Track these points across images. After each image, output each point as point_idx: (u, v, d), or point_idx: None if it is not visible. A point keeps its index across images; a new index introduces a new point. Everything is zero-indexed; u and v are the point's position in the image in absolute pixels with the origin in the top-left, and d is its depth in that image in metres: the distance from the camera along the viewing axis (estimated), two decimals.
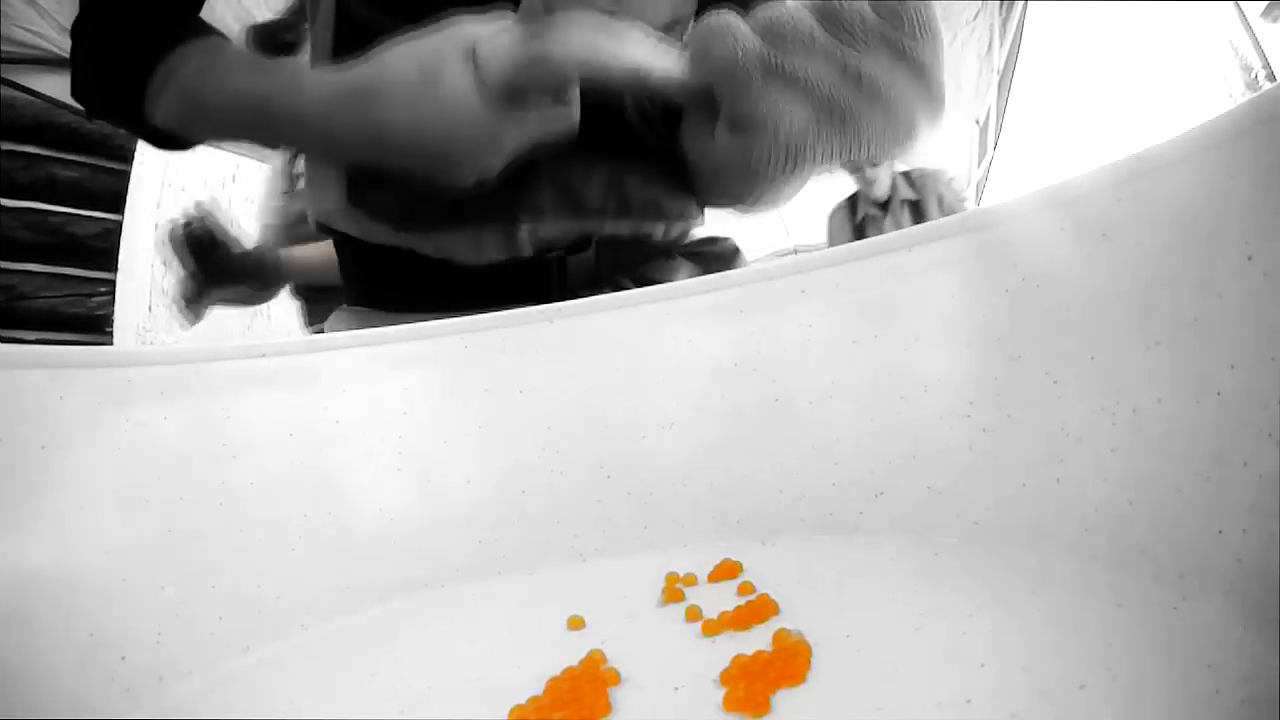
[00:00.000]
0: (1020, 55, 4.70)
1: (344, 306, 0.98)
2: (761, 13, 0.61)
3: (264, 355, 0.51)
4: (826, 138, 0.61)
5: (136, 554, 0.44)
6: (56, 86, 3.14)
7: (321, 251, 1.78)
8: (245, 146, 0.74)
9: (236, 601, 0.47)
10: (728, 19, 0.62)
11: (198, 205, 1.57)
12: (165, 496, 0.46)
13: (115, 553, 0.44)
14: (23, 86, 2.97)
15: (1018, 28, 4.59)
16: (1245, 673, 0.30)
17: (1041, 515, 0.43)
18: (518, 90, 0.63)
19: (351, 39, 0.84)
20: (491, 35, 0.63)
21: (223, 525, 0.48)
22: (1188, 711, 0.29)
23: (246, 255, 1.60)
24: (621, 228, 0.84)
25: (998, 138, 5.08)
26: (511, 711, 0.36)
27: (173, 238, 1.50)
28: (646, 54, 0.63)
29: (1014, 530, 0.44)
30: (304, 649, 0.46)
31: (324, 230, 0.90)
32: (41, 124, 2.04)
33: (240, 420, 0.50)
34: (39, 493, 0.42)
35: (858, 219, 4.12)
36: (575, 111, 0.67)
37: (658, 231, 0.86)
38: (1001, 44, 4.61)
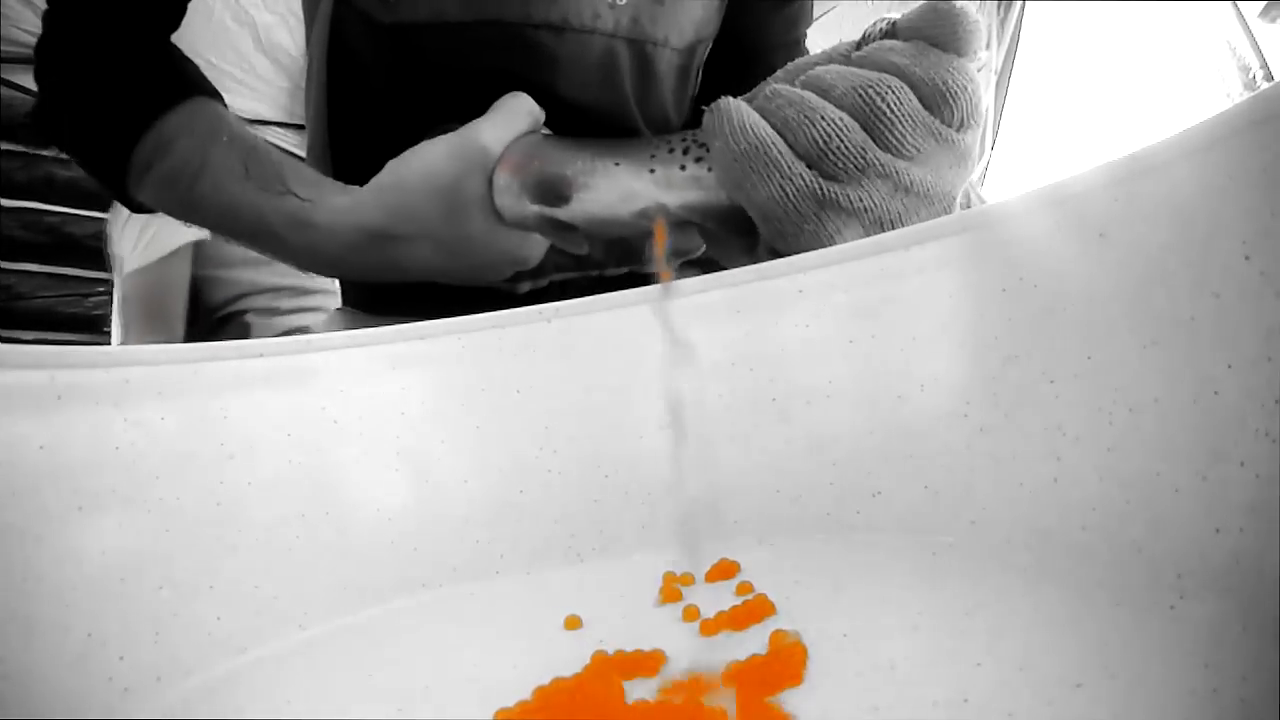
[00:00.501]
0: (1018, 55, 4.70)
1: (339, 307, 0.98)
2: (803, 125, 0.54)
3: (261, 355, 0.51)
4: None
5: (134, 554, 0.44)
6: None
7: (157, 276, 1.80)
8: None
9: (234, 601, 0.47)
10: (761, 137, 0.54)
11: None
12: (163, 496, 0.46)
13: (113, 552, 0.44)
14: (20, 86, 2.96)
15: (1015, 28, 4.59)
16: (1243, 672, 0.30)
17: (1039, 514, 0.43)
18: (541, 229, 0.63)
19: (344, 67, 0.84)
20: (499, 166, 0.63)
21: (220, 525, 0.48)
22: (1185, 711, 0.29)
23: None
24: (623, 270, 0.84)
25: (995, 138, 5.08)
26: (498, 714, 0.36)
27: None
28: (649, 191, 0.60)
29: (1011, 530, 0.44)
30: (302, 649, 0.46)
31: None
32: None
33: (238, 420, 0.50)
34: (36, 492, 0.42)
35: None
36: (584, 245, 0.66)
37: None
38: (999, 44, 4.61)
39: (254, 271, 1.96)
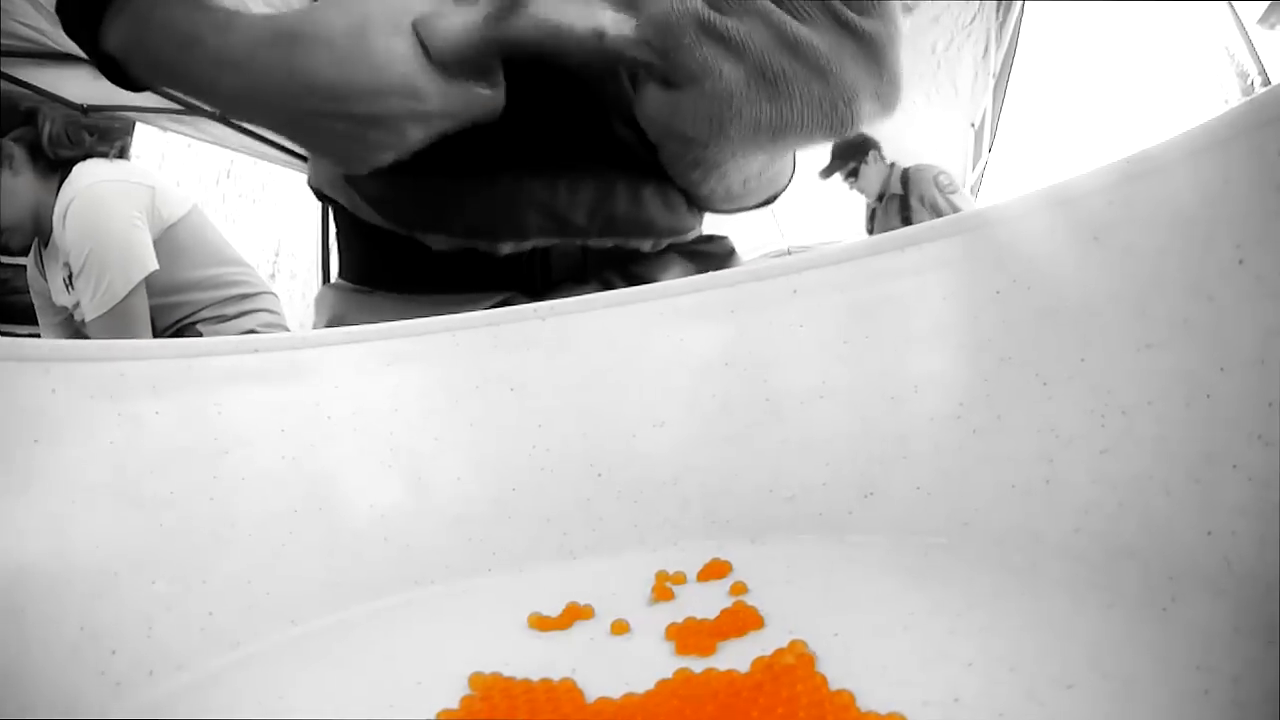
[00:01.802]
0: (1016, 59, 4.71)
1: (332, 282, 0.98)
2: None
3: (256, 350, 0.51)
4: (756, 100, 0.60)
5: (127, 548, 0.44)
6: (53, 80, 3.13)
7: (122, 316, 1.84)
8: (186, 98, 0.71)
9: (227, 596, 0.47)
10: None
11: None
12: (156, 491, 0.46)
13: (106, 546, 0.44)
14: (19, 80, 2.96)
15: (1014, 31, 4.60)
16: (1235, 674, 0.30)
17: (1031, 516, 0.43)
18: (463, 61, 0.62)
19: None
20: (434, 11, 0.63)
21: (213, 520, 0.48)
22: (1177, 712, 0.30)
23: None
24: (607, 243, 0.83)
25: (993, 140, 5.09)
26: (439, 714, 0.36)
27: None
28: (600, 17, 0.61)
29: (1004, 531, 0.44)
30: (294, 645, 0.46)
31: (320, 196, 0.90)
32: (38, 121, 2.05)
33: (231, 415, 0.50)
34: (30, 486, 0.42)
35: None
36: (501, 95, 0.66)
37: (646, 245, 0.86)
38: (998, 47, 4.62)
39: (199, 293, 2.02)
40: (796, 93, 0.59)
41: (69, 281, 1.96)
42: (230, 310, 2.04)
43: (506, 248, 0.79)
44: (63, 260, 1.95)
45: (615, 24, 0.61)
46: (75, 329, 2.06)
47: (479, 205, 0.78)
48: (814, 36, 0.59)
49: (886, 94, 0.64)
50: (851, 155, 4.30)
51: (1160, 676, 0.32)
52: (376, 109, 0.65)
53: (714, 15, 0.58)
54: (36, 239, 2.08)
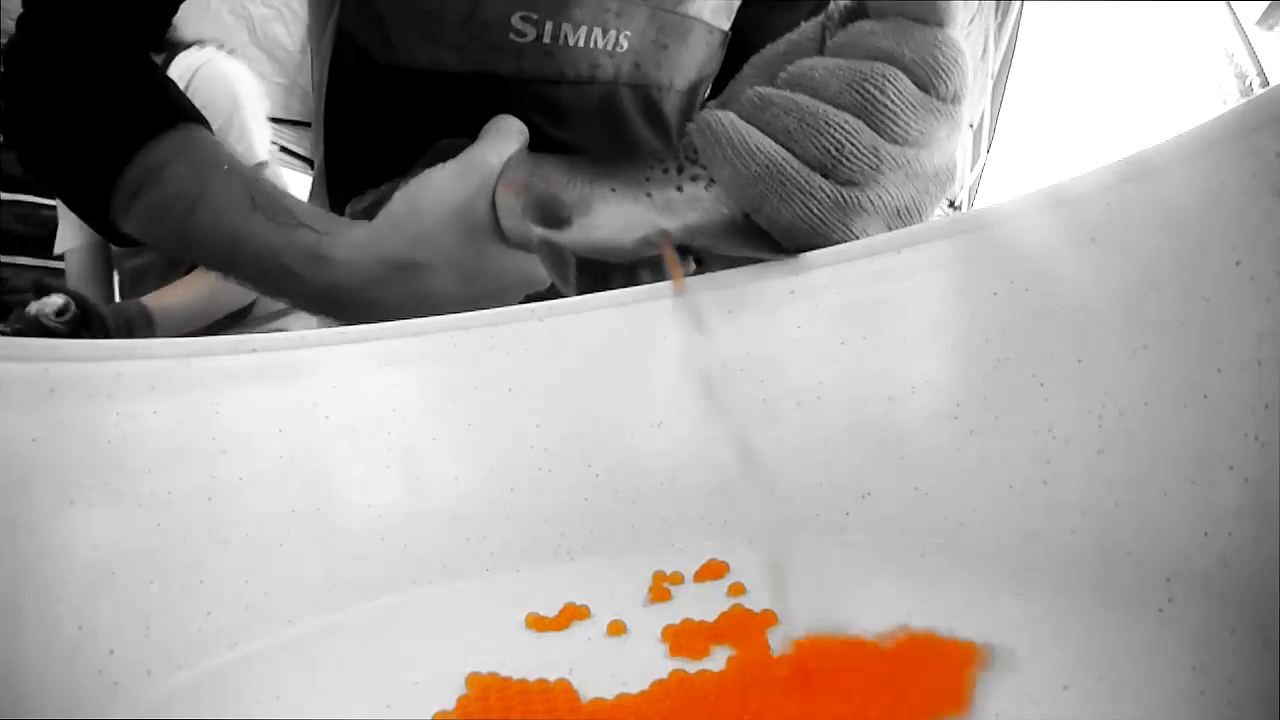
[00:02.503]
0: (1014, 60, 4.71)
1: None
2: (810, 135, 0.51)
3: (254, 350, 0.51)
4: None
5: (125, 548, 0.44)
6: None
7: (191, 288, 1.71)
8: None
9: (224, 596, 0.47)
10: (770, 157, 0.51)
11: (65, 292, 1.51)
12: (154, 491, 0.46)
13: (104, 546, 0.44)
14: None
15: (1013, 32, 4.59)
16: (1231, 675, 0.30)
17: (1028, 517, 0.43)
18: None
19: (343, 98, 0.83)
20: (500, 186, 0.63)
21: (211, 520, 0.48)
22: (1173, 713, 0.30)
23: (118, 320, 1.54)
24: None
25: (991, 142, 5.08)
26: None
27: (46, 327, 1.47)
28: (651, 217, 0.58)
29: (1000, 532, 0.44)
30: (291, 645, 0.46)
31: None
32: None
33: (229, 415, 0.50)
34: (28, 485, 0.42)
35: None
36: (573, 286, 0.63)
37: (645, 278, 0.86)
38: (996, 49, 4.61)
39: None
40: (923, 205, 0.56)
41: None
42: None
43: None
44: None
45: (676, 216, 0.57)
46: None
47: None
48: (930, 152, 0.54)
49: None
50: None
51: (1156, 677, 0.32)
52: (504, 297, 0.66)
53: (854, 194, 0.52)
54: None
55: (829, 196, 0.51)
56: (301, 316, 1.87)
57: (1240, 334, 0.34)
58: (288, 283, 0.66)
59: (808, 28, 0.57)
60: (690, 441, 0.54)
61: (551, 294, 0.63)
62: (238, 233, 0.66)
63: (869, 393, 0.51)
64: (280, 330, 1.84)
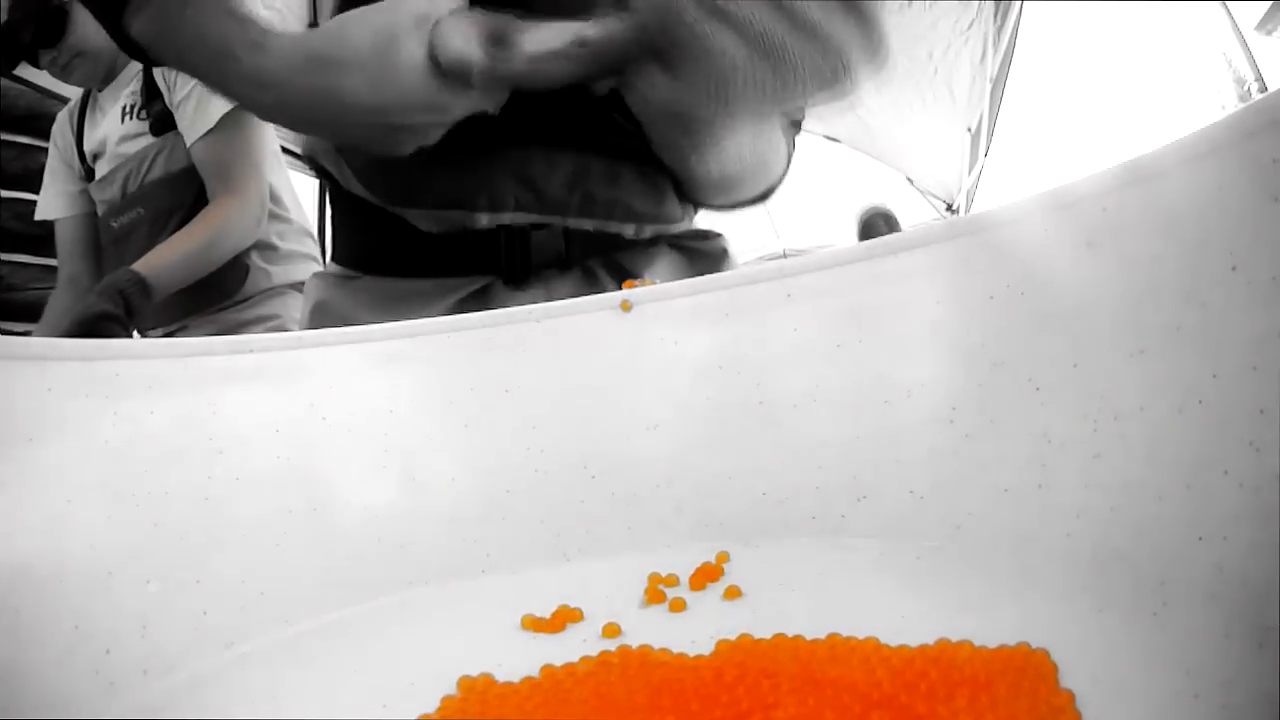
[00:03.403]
0: (1013, 63, 4.71)
1: (320, 270, 0.99)
2: None
3: (251, 350, 0.51)
4: (759, 76, 0.60)
5: (122, 548, 0.45)
6: (49, 77, 3.13)
7: (180, 245, 1.67)
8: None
9: (221, 597, 0.47)
10: None
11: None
12: (151, 490, 0.46)
13: (101, 546, 0.44)
14: (15, 76, 2.96)
15: (1011, 36, 4.61)
16: (1226, 678, 0.30)
17: (1023, 520, 0.43)
18: (466, 80, 0.64)
19: None
20: (447, 16, 0.64)
21: (208, 520, 0.48)
22: (1168, 716, 0.30)
23: (111, 293, 1.52)
24: (585, 224, 0.84)
25: (989, 146, 5.09)
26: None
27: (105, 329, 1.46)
28: (579, 27, 0.62)
29: (996, 535, 0.44)
30: (288, 645, 0.46)
31: (313, 165, 0.91)
32: (34, 114, 2.04)
33: (226, 415, 0.50)
34: (25, 484, 0.42)
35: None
36: (506, 94, 0.68)
37: (627, 231, 0.86)
38: (995, 52, 4.62)
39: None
40: (797, 59, 0.59)
41: (132, 111, 1.84)
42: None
43: (484, 219, 0.81)
44: (129, 89, 1.84)
45: (597, 26, 0.62)
46: (88, 204, 1.94)
47: (456, 174, 0.80)
48: (813, 11, 0.59)
49: (877, 51, 0.64)
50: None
51: (1151, 680, 0.32)
52: (407, 120, 0.68)
53: None
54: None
55: None
56: (290, 302, 1.85)
57: (1237, 339, 0.34)
58: (228, 65, 0.70)
59: None
60: (686, 444, 0.54)
61: (511, 239, 0.65)
62: (206, 26, 0.71)
63: (865, 396, 0.51)
64: (270, 315, 1.84)
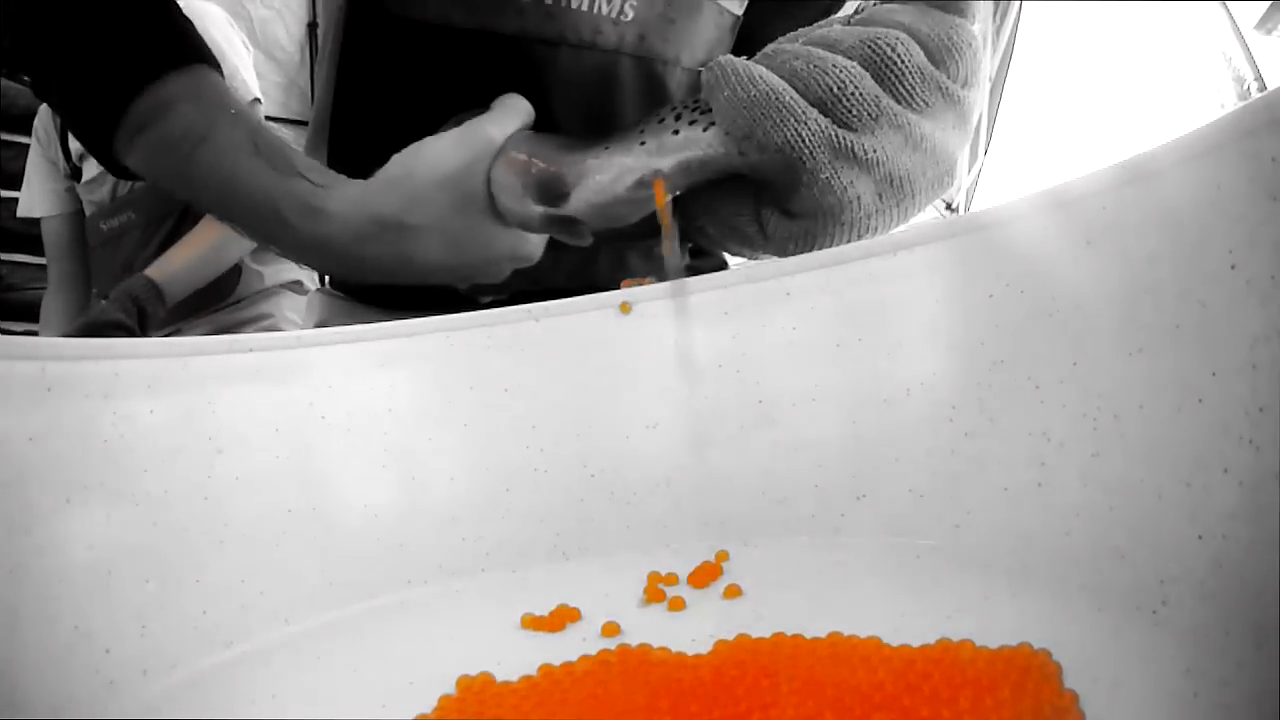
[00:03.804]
0: (1013, 62, 4.70)
1: (319, 289, 0.98)
2: (814, 74, 0.53)
3: (250, 350, 0.51)
4: (889, 208, 0.57)
5: (121, 547, 0.45)
6: None
7: (190, 249, 1.67)
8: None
9: (220, 596, 0.47)
10: (772, 85, 0.53)
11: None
12: (150, 490, 0.46)
13: (100, 545, 0.44)
14: (14, 75, 2.95)
15: (1011, 35, 4.60)
16: (1224, 677, 0.30)
17: (1023, 519, 0.43)
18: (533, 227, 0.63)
19: (355, 57, 0.83)
20: (498, 166, 0.63)
21: (207, 519, 0.48)
22: (1166, 715, 0.30)
23: (125, 301, 1.52)
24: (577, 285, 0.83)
25: (989, 144, 5.08)
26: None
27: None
28: (644, 164, 0.58)
29: (995, 534, 0.44)
30: (287, 644, 0.46)
31: None
32: (33, 113, 2.03)
33: (226, 415, 0.50)
34: (25, 484, 0.42)
35: None
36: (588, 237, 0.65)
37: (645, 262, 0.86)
38: (994, 51, 4.61)
39: None
40: (919, 186, 0.57)
41: None
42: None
43: (485, 299, 0.79)
44: None
45: (670, 156, 0.57)
46: (75, 202, 1.93)
47: None
48: (932, 126, 0.56)
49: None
50: None
51: (1150, 679, 0.32)
52: (491, 270, 0.67)
53: (848, 137, 0.53)
54: None
55: (822, 130, 0.52)
56: (284, 302, 1.84)
57: (1235, 337, 0.34)
58: (280, 231, 0.65)
59: (838, 17, 0.59)
60: (685, 442, 0.54)
61: (534, 284, 0.65)
62: (237, 176, 0.65)
63: (864, 395, 0.51)
64: (263, 315, 1.83)
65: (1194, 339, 0.36)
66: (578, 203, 0.59)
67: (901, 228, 0.53)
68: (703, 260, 0.94)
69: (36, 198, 1.96)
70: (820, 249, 0.56)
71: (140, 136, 0.67)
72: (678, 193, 0.60)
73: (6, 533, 0.41)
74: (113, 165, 0.71)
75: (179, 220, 1.76)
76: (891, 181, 0.55)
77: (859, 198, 0.54)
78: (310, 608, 0.49)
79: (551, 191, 0.60)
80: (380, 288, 0.88)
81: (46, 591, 0.41)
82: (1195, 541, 0.35)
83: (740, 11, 0.89)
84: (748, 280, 0.54)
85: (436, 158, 0.63)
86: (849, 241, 0.56)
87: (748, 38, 0.91)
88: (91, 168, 1.84)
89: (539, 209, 0.61)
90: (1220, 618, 0.32)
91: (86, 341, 0.47)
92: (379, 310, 0.88)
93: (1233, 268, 0.34)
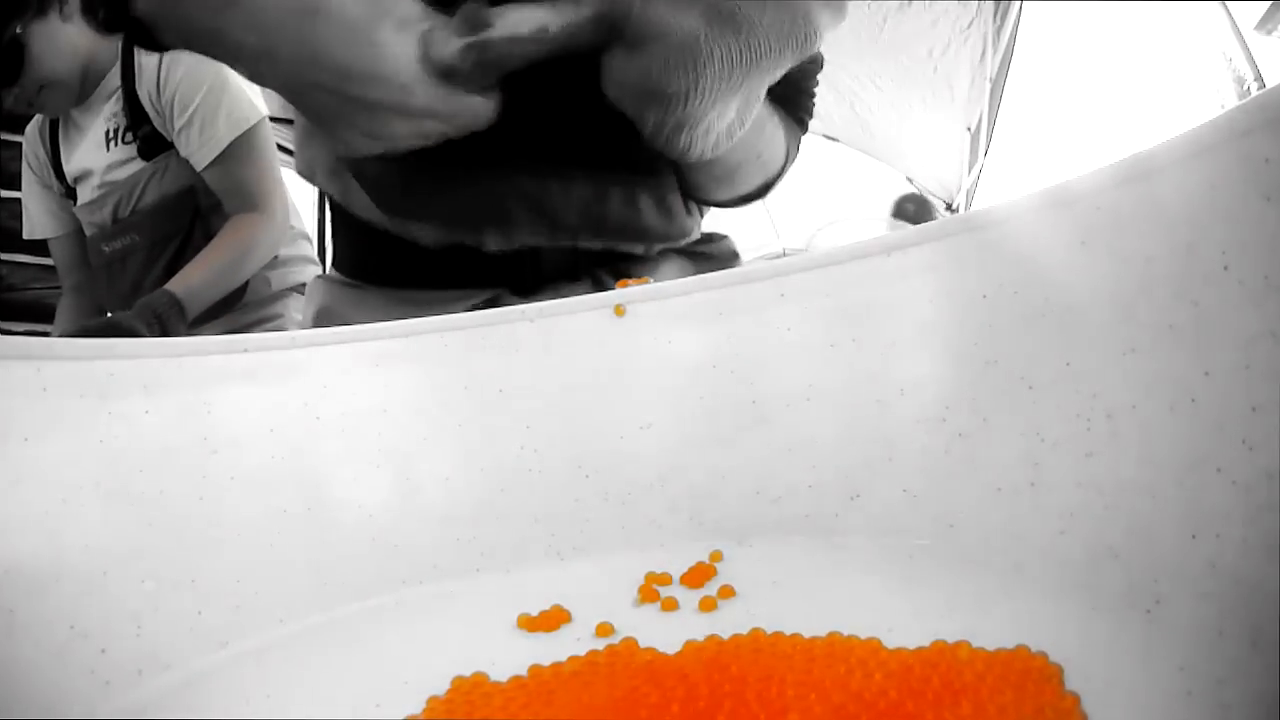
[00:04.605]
0: (1013, 62, 4.71)
1: (322, 275, 0.98)
2: None
3: (246, 350, 0.51)
4: (725, 42, 0.60)
5: (117, 547, 0.45)
6: (23, 96, 3.13)
7: (210, 262, 1.68)
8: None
9: (215, 596, 0.47)
10: None
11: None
12: (146, 490, 0.46)
13: (96, 545, 0.44)
14: None
15: (1011, 36, 4.60)
16: (1219, 676, 0.30)
17: (1016, 519, 0.43)
18: (453, 75, 0.64)
19: None
20: (432, 30, 0.64)
21: (203, 519, 0.48)
22: (1161, 715, 0.30)
23: (148, 317, 1.52)
24: (597, 244, 0.83)
25: (989, 145, 5.09)
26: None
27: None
28: (541, 15, 0.63)
29: (989, 534, 0.44)
30: (282, 644, 0.46)
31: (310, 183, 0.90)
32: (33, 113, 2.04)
33: (221, 415, 0.50)
34: (20, 484, 0.42)
35: None
36: (493, 106, 0.68)
37: (638, 249, 0.86)
38: (994, 52, 4.62)
39: None
40: (756, 20, 0.59)
41: (116, 136, 1.80)
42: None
43: (492, 243, 0.79)
44: (108, 111, 1.80)
45: (557, 14, 0.62)
46: (76, 221, 1.92)
47: (467, 197, 0.78)
48: None
49: (836, 6, 0.63)
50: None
51: (1144, 679, 0.32)
52: (369, 94, 0.66)
53: None
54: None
55: None
56: (291, 304, 1.85)
57: (1229, 337, 0.34)
58: (224, 15, 0.67)
59: None
60: (680, 443, 0.54)
61: (520, 260, 0.65)
62: None
63: (858, 395, 0.51)
64: (272, 316, 1.84)
65: (1188, 339, 0.36)
66: (493, 37, 0.63)
67: (901, 232, 0.53)
68: (712, 246, 0.94)
69: (38, 221, 1.97)
70: (666, 83, 0.61)
71: None
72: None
73: (2, 533, 0.41)
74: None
75: (184, 241, 1.77)
76: (719, 10, 0.59)
77: (682, 24, 0.59)
78: (305, 608, 0.49)
79: (471, 24, 0.64)
80: (383, 268, 0.88)
81: (42, 592, 0.41)
82: (1189, 541, 0.35)
83: None
84: (742, 281, 0.54)
85: None
86: (695, 73, 0.61)
87: None
88: (89, 191, 1.84)
89: (460, 41, 0.64)
90: (1215, 617, 0.32)
91: (82, 342, 0.47)
92: (379, 292, 0.88)
93: (1226, 268, 0.34)
